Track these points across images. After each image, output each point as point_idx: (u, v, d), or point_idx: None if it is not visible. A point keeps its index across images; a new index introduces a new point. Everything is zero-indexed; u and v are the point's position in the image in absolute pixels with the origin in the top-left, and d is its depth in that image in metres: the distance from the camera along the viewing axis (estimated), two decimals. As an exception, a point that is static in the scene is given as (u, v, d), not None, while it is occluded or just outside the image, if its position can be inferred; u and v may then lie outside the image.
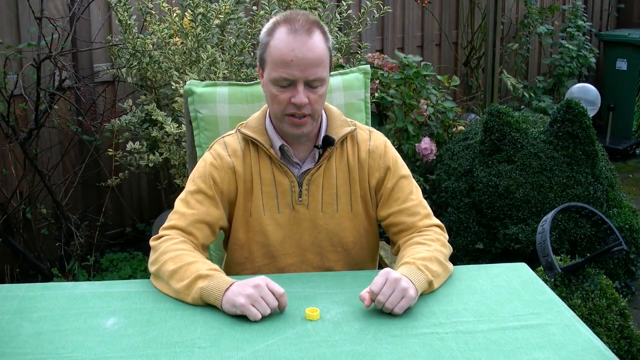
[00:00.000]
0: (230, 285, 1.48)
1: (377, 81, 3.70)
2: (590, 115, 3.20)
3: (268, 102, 1.72)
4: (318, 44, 1.63)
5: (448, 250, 1.73)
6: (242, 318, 1.44)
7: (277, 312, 1.47)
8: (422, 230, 1.74)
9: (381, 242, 2.09)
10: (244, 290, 1.45)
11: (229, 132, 1.84)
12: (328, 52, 1.67)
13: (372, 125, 2.03)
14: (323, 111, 1.79)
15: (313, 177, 1.76)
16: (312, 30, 1.63)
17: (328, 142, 1.75)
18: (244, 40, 3.05)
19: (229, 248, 1.84)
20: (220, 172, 1.74)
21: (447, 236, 1.77)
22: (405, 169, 1.82)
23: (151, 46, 3.10)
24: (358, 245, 1.83)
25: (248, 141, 1.77)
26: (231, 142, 1.78)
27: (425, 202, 1.81)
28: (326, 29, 1.71)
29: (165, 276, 1.57)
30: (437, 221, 1.79)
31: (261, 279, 1.47)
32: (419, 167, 3.73)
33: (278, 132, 1.75)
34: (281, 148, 1.74)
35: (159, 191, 3.73)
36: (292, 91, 1.63)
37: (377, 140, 1.82)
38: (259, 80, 2.09)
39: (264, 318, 1.44)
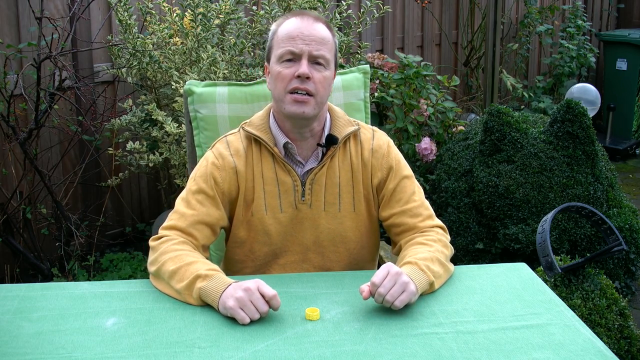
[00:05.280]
0: (228, 286, 1.48)
1: (377, 81, 3.70)
2: (590, 115, 3.20)
3: (272, 89, 1.72)
4: (324, 29, 1.71)
5: (450, 251, 1.73)
6: (242, 318, 1.44)
7: (277, 312, 1.47)
8: (424, 231, 1.74)
9: (381, 242, 2.09)
10: (235, 293, 1.44)
11: (232, 130, 1.83)
12: (333, 43, 1.73)
13: (372, 125, 2.03)
14: (327, 111, 1.79)
15: (316, 177, 1.75)
16: (318, 20, 1.72)
17: (331, 141, 1.75)
18: (244, 40, 3.05)
19: (229, 246, 1.84)
20: (222, 172, 1.73)
21: (449, 237, 1.77)
22: (407, 169, 1.81)
23: (151, 46, 3.10)
24: (359, 245, 1.82)
25: (251, 140, 1.77)
26: (234, 141, 1.78)
27: (427, 203, 1.80)
28: (333, 28, 1.77)
29: (165, 276, 1.57)
30: (439, 222, 1.79)
31: (253, 282, 1.46)
32: (419, 167, 3.73)
33: (282, 129, 1.75)
34: (285, 146, 1.74)
35: (159, 191, 3.73)
36: (297, 66, 1.66)
37: (380, 140, 1.82)
38: (258, 80, 2.10)
39: (265, 318, 1.44)
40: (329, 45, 1.70)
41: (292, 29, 1.68)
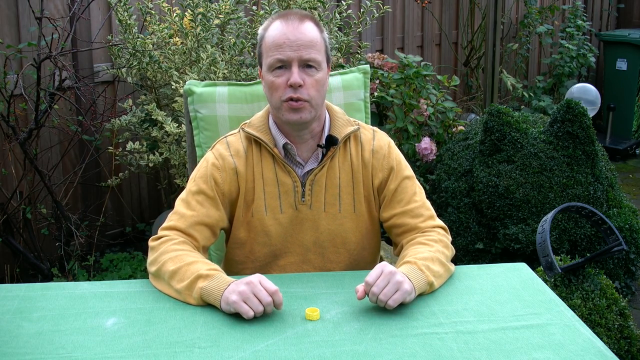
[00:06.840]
0: (229, 284, 1.48)
1: (377, 81, 3.70)
2: (590, 115, 3.20)
3: (268, 97, 1.72)
4: (310, 29, 1.68)
5: (450, 252, 1.72)
6: (242, 318, 1.44)
7: (277, 312, 1.47)
8: (425, 231, 1.74)
9: (381, 241, 2.09)
10: (237, 288, 1.44)
11: (232, 131, 1.83)
12: (323, 41, 1.70)
13: (372, 125, 2.03)
14: (326, 111, 1.79)
15: (316, 178, 1.75)
16: (304, 19, 1.68)
17: (331, 141, 1.74)
18: (244, 40, 3.05)
19: (229, 247, 1.84)
20: (222, 172, 1.73)
21: (450, 238, 1.76)
22: (408, 170, 1.81)
23: (151, 46, 3.10)
24: (360, 246, 1.82)
25: (251, 140, 1.77)
26: (234, 142, 1.77)
27: (428, 204, 1.80)
28: (321, 23, 1.74)
29: (166, 277, 1.57)
30: (440, 222, 1.78)
31: (255, 277, 1.46)
32: (419, 167, 3.73)
33: (281, 130, 1.74)
34: (285, 147, 1.74)
35: (159, 191, 3.73)
36: (288, 74, 1.65)
37: (381, 140, 1.81)
38: (258, 80, 2.09)
39: (264, 318, 1.44)
40: (318, 46, 1.67)
41: (277, 35, 1.66)
